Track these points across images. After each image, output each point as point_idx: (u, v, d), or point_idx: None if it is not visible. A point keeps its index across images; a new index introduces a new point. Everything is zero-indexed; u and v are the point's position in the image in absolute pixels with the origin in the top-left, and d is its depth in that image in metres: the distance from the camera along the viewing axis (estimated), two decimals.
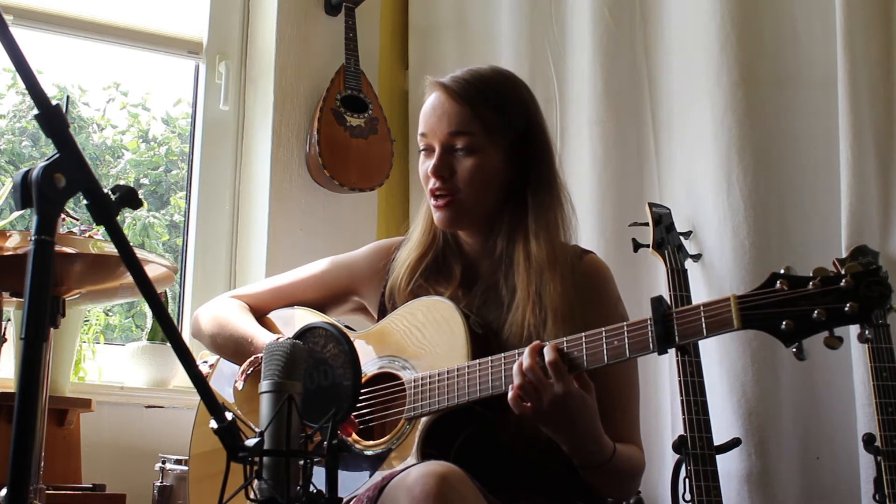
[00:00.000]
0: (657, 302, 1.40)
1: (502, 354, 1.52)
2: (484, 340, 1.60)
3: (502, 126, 1.69)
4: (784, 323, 1.29)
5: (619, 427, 1.61)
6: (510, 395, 1.47)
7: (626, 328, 1.43)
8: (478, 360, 1.54)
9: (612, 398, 1.60)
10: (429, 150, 1.70)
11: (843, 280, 1.27)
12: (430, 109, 1.70)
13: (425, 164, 1.70)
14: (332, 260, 1.91)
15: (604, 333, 1.44)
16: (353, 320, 1.89)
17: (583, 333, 1.47)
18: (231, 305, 1.88)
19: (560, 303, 1.59)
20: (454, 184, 1.66)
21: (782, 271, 1.32)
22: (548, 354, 1.46)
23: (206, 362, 1.95)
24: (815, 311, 1.28)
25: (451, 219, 1.69)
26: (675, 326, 1.38)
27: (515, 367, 1.47)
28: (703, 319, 1.36)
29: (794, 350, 1.30)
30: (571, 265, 1.66)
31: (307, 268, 1.92)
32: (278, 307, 1.89)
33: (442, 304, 1.64)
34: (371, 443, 1.62)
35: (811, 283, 1.29)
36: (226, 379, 1.83)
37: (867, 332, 1.91)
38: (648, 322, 1.41)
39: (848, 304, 1.26)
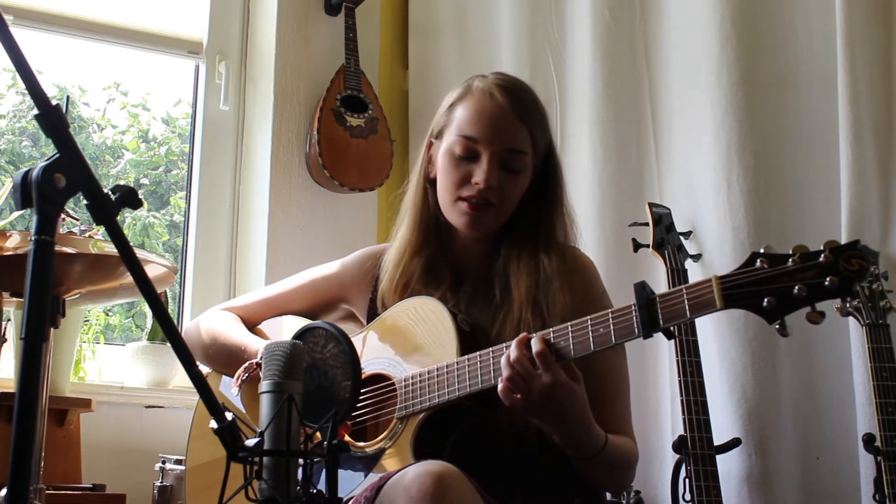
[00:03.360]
0: (640, 287, 1.41)
1: (490, 349, 1.53)
2: (472, 337, 1.62)
3: (540, 148, 1.72)
4: (766, 300, 1.30)
5: (611, 419, 1.62)
6: (500, 387, 1.48)
7: (610, 315, 1.44)
8: (466, 356, 1.55)
9: (603, 390, 1.61)
10: (472, 156, 1.68)
11: (822, 255, 1.28)
12: (489, 117, 1.67)
13: (464, 168, 1.67)
14: (321, 269, 1.92)
15: (589, 322, 1.46)
16: (342, 327, 1.88)
17: (569, 323, 1.48)
18: (222, 317, 1.89)
19: (566, 313, 1.59)
20: (493, 196, 1.67)
21: (762, 250, 1.33)
22: (535, 345, 1.47)
23: None
24: (796, 287, 1.29)
25: (485, 226, 1.70)
26: (660, 310, 1.39)
27: (503, 359, 1.48)
28: (686, 301, 1.37)
29: (778, 326, 1.31)
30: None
31: (296, 278, 1.93)
32: (269, 318, 1.90)
33: (430, 302, 1.66)
34: (364, 444, 1.63)
35: (791, 260, 1.30)
36: (223, 381, 1.84)
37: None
38: (633, 307, 1.41)
39: (828, 279, 1.27)
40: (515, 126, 1.67)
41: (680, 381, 2.08)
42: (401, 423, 1.59)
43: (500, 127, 1.67)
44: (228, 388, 1.80)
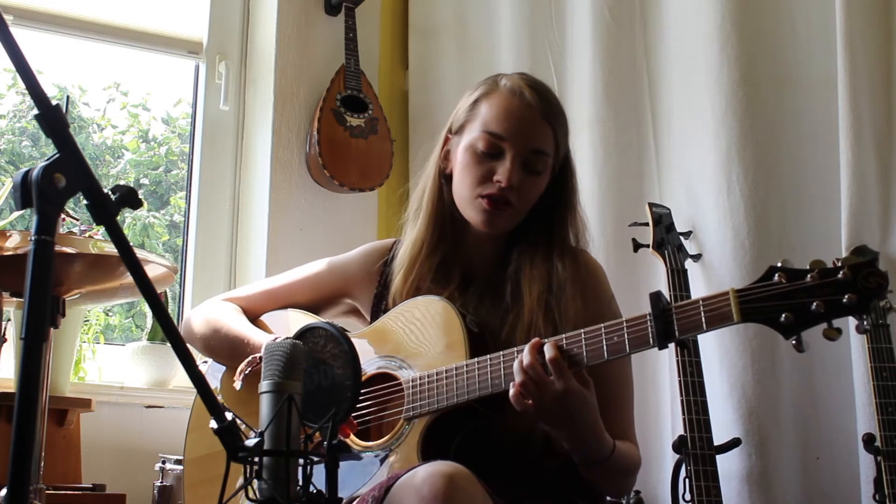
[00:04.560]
0: (656, 297, 1.40)
1: (501, 353, 1.52)
2: (480, 339, 1.61)
3: (561, 151, 1.72)
4: (783, 315, 1.30)
5: (615, 423, 1.61)
6: (511, 392, 1.47)
7: (625, 324, 1.43)
8: (476, 359, 1.54)
9: (607, 394, 1.61)
10: (495, 153, 1.66)
11: (841, 272, 1.28)
12: (516, 116, 1.66)
13: (486, 165, 1.66)
14: (325, 262, 1.90)
15: (603, 330, 1.45)
16: (345, 322, 1.88)
17: (582, 330, 1.47)
18: (224, 308, 1.87)
19: (578, 321, 1.59)
20: (513, 196, 1.66)
21: (780, 264, 1.33)
22: (548, 352, 1.46)
23: (206, 362, 1.95)
24: (814, 304, 1.29)
25: (501, 225, 1.69)
26: (675, 321, 1.39)
27: (516, 364, 1.47)
28: (702, 314, 1.36)
29: (794, 342, 1.31)
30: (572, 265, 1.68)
31: (300, 270, 1.91)
32: (271, 310, 1.88)
33: (438, 303, 1.65)
34: (370, 444, 1.62)
35: (809, 276, 1.30)
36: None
37: (865, 322, 1.92)
38: (648, 317, 1.41)
39: (846, 296, 1.27)
40: (542, 127, 1.67)
41: (680, 381, 2.08)
42: (408, 424, 1.59)
43: (527, 126, 1.66)
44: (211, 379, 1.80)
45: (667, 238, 2.23)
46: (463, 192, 1.70)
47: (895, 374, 1.93)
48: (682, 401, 2.06)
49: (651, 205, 2.29)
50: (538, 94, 1.67)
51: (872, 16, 2.17)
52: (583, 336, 1.46)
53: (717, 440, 2.06)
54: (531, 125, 1.66)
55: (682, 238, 2.26)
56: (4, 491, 0.95)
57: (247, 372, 1.68)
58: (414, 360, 1.63)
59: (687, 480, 2.02)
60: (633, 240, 2.29)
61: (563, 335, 1.49)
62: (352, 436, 1.63)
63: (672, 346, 2.11)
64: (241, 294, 1.93)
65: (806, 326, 1.30)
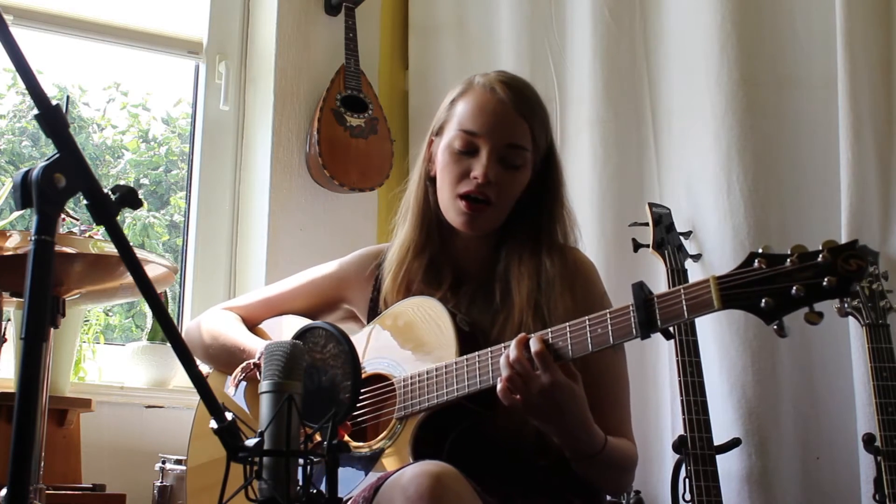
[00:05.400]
0: (638, 288, 1.40)
1: (489, 349, 1.53)
2: (471, 338, 1.61)
3: (540, 146, 1.71)
4: (763, 301, 1.30)
5: (610, 420, 1.62)
6: (499, 387, 1.48)
7: (608, 315, 1.44)
8: (465, 356, 1.55)
9: (602, 392, 1.61)
10: (471, 150, 1.67)
11: (820, 255, 1.27)
12: (489, 112, 1.66)
13: (463, 164, 1.67)
14: (322, 268, 1.92)
15: (587, 322, 1.46)
16: (343, 328, 1.88)
17: (567, 323, 1.48)
18: (223, 317, 1.89)
19: (568, 318, 1.59)
20: (491, 192, 1.66)
21: (760, 250, 1.32)
22: (534, 346, 1.47)
23: None
24: (794, 288, 1.28)
25: (482, 226, 1.69)
26: (657, 310, 1.39)
27: (503, 359, 1.48)
28: (683, 302, 1.36)
29: (776, 327, 1.30)
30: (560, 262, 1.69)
31: (296, 278, 1.93)
32: (270, 317, 1.90)
33: (429, 302, 1.65)
34: (364, 444, 1.63)
35: (789, 260, 1.30)
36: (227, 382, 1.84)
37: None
38: (630, 308, 1.41)
39: (826, 279, 1.26)
40: (516, 121, 1.67)
41: (680, 381, 2.08)
42: (400, 424, 1.59)
43: (501, 121, 1.66)
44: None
45: (667, 238, 2.23)
46: (443, 192, 1.70)
47: (895, 374, 1.94)
48: (682, 401, 2.06)
49: (651, 205, 2.29)
50: (511, 90, 1.67)
51: (872, 16, 2.18)
52: (567, 329, 1.47)
53: (717, 440, 2.06)
54: (504, 120, 1.66)
55: (682, 238, 2.26)
56: (4, 491, 0.95)
57: (240, 378, 1.69)
58: (406, 360, 1.64)
59: (687, 480, 2.02)
60: (633, 240, 2.29)
61: (549, 329, 1.49)
62: (346, 436, 1.63)
63: (672, 344, 2.13)
64: (240, 303, 1.95)
65: (786, 311, 1.29)
